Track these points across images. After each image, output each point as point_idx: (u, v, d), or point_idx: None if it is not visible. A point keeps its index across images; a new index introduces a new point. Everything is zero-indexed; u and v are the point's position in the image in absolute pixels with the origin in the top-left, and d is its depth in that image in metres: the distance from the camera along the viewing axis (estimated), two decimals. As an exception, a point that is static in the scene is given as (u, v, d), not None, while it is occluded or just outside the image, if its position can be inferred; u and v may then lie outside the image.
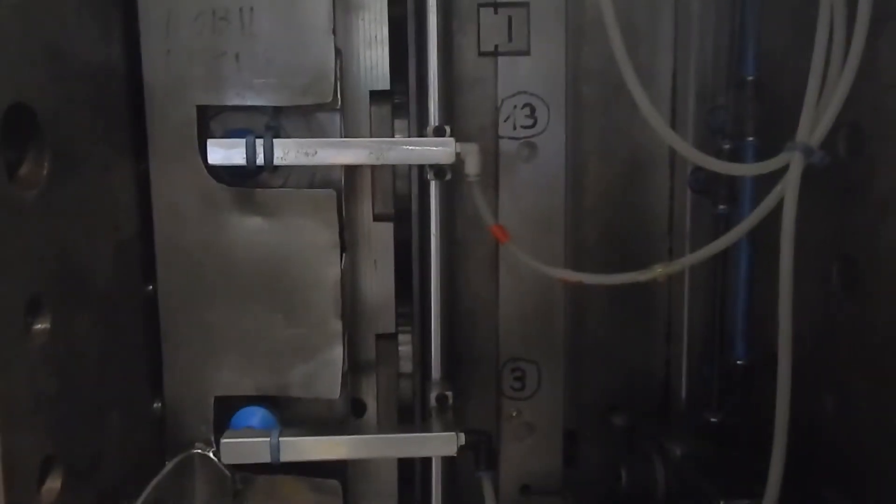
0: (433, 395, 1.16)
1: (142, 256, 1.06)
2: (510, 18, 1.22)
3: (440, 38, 1.15)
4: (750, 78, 1.16)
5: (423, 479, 1.27)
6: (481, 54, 1.24)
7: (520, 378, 1.30)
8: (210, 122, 1.08)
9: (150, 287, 1.07)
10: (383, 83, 1.16)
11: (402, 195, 1.22)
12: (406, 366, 1.24)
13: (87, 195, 0.92)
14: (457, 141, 1.05)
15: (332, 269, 1.06)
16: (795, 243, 0.91)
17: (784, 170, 0.94)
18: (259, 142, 0.99)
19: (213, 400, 1.08)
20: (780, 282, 0.92)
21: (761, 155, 1.14)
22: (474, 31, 1.24)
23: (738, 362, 1.22)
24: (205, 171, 1.04)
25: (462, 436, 1.05)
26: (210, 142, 1.00)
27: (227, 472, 1.08)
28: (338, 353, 1.08)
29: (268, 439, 1.02)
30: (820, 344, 1.03)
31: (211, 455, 1.07)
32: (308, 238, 1.06)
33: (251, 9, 1.01)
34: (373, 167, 1.16)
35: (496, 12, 1.22)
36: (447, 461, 1.18)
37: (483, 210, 1.12)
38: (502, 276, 1.28)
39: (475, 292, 1.30)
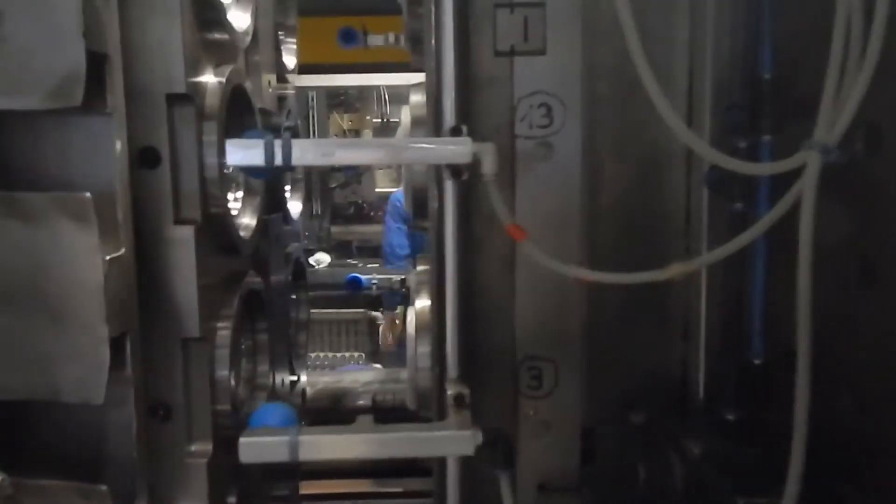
0: (450, 394, 1.16)
1: None
2: (526, 18, 1.22)
3: (456, 38, 1.15)
4: (766, 76, 1.16)
5: (440, 475, 1.27)
6: (497, 54, 1.25)
7: (537, 376, 1.30)
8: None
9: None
10: None
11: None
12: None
13: None
14: (473, 140, 1.05)
15: (95, 274, 1.00)
16: (813, 242, 0.91)
17: (801, 169, 0.94)
18: (277, 142, 1.00)
19: None
20: (799, 280, 0.91)
21: (777, 153, 1.13)
22: (490, 31, 1.24)
23: (755, 361, 1.22)
24: None
25: (479, 434, 1.05)
26: (229, 142, 1.01)
27: None
28: (104, 356, 1.01)
29: (286, 438, 1.03)
30: (838, 342, 1.03)
31: None
32: (67, 242, 1.00)
33: (2, 13, 0.96)
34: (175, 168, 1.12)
35: (512, 12, 1.23)
36: (464, 458, 1.18)
37: (500, 209, 1.12)
38: (519, 275, 1.28)
39: (492, 291, 1.31)
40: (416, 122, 1.32)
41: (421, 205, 1.31)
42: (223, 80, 1.20)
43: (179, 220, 1.13)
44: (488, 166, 1.08)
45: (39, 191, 1.02)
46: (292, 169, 1.05)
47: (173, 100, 1.10)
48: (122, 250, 1.05)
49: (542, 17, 1.22)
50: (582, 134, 1.25)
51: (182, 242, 1.12)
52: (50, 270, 1.01)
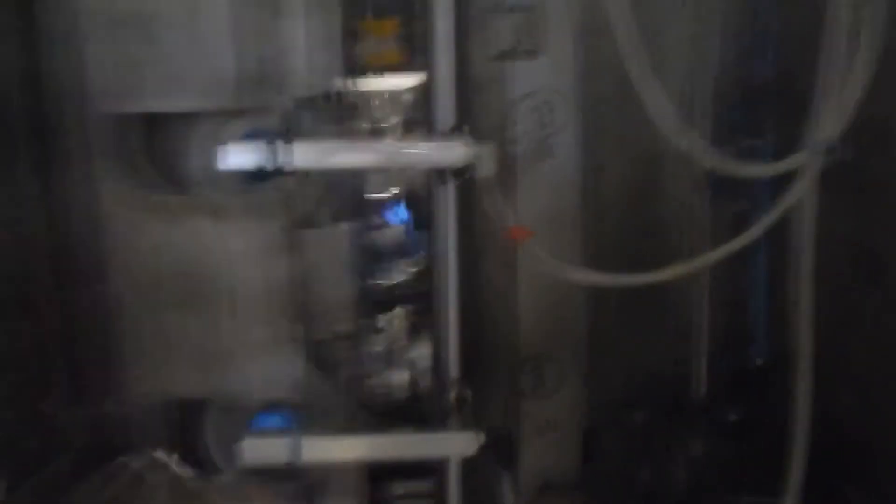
0: (452, 395, 1.16)
1: (53, 262, 1.05)
2: (524, 20, 1.22)
3: (454, 40, 1.15)
4: (767, 75, 1.15)
5: (441, 475, 1.27)
6: (494, 56, 1.24)
7: (539, 376, 1.30)
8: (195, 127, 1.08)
9: (94, 292, 1.07)
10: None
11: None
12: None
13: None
14: (473, 142, 1.04)
15: (281, 272, 1.06)
16: (817, 239, 0.91)
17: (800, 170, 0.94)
18: (270, 146, 0.99)
19: (169, 402, 1.08)
20: (800, 280, 0.91)
21: (778, 152, 1.13)
22: (487, 33, 1.23)
23: (757, 360, 1.22)
24: (142, 180, 1.05)
25: (482, 435, 1.05)
26: (228, 146, 1.00)
27: (185, 475, 1.07)
28: (292, 353, 1.07)
29: (288, 439, 1.02)
30: (842, 340, 1.03)
31: (167, 459, 1.07)
32: (256, 241, 1.06)
33: (156, 18, 1.01)
34: (331, 170, 1.14)
35: (509, 14, 1.22)
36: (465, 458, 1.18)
37: (497, 212, 1.11)
38: (521, 275, 1.28)
39: (494, 291, 1.31)
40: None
41: (420, 205, 1.30)
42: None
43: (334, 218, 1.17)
44: (485, 169, 1.07)
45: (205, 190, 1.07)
46: (292, 173, 1.04)
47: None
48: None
49: (538, 18, 1.22)
50: (580, 134, 1.25)
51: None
52: (237, 269, 1.06)
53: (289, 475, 1.12)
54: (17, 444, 0.99)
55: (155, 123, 1.08)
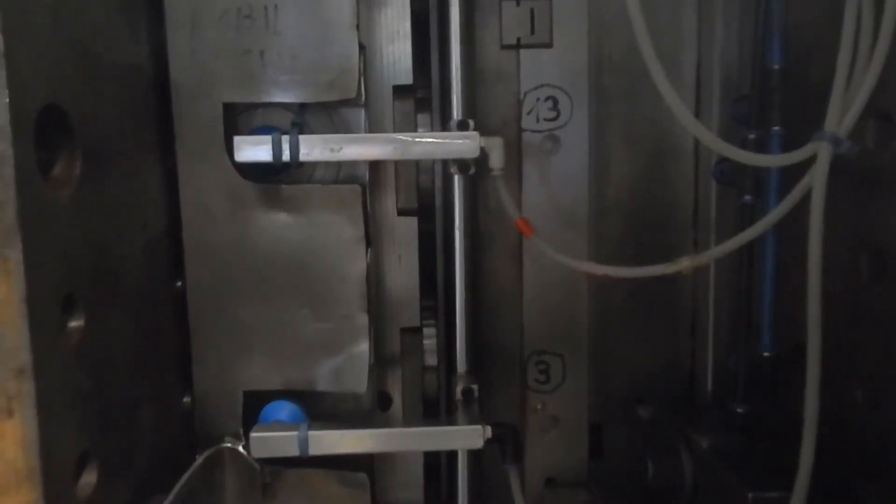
0: (459, 389, 1.16)
1: (170, 253, 1.08)
2: (532, 11, 1.22)
3: (462, 31, 1.15)
4: (775, 67, 1.15)
5: (450, 472, 1.28)
6: (504, 47, 1.24)
7: (544, 371, 1.30)
8: (237, 119, 1.09)
9: (179, 283, 1.09)
10: (406, 78, 1.16)
11: (425, 189, 1.22)
12: (431, 359, 1.25)
13: (118, 194, 0.94)
14: (480, 135, 1.05)
15: (358, 264, 1.08)
16: (823, 234, 0.91)
17: (812, 160, 0.93)
18: (285, 138, 1.00)
19: (241, 395, 1.10)
20: (809, 273, 0.91)
21: (787, 145, 1.13)
22: (496, 24, 1.23)
23: (765, 354, 1.21)
24: (231, 167, 1.05)
25: (488, 429, 1.05)
26: (237, 139, 1.01)
27: (256, 465, 1.09)
28: (364, 346, 1.09)
29: (296, 433, 1.03)
30: (848, 335, 1.02)
31: (240, 449, 1.09)
32: (334, 233, 1.07)
33: (275, 6, 1.02)
34: (396, 162, 1.16)
35: (518, 5, 1.22)
36: (473, 454, 1.18)
37: (508, 204, 1.12)
38: (526, 269, 1.28)
39: (499, 285, 1.31)
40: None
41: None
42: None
43: (401, 211, 1.18)
44: (496, 161, 1.08)
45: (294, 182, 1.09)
46: (300, 165, 1.05)
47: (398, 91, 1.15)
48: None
49: (548, 9, 1.22)
50: (589, 127, 1.25)
51: (405, 233, 1.19)
52: (315, 261, 1.07)
53: (353, 465, 1.15)
54: (159, 441, 1.03)
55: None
